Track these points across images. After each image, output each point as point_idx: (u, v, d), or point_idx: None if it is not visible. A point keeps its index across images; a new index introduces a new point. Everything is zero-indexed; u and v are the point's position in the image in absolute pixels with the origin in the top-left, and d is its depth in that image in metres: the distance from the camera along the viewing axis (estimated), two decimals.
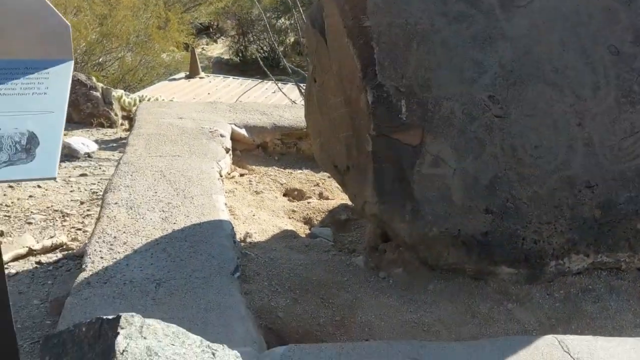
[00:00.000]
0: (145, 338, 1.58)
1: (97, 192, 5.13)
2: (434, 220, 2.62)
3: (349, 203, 3.79)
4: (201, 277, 2.53)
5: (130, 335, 1.57)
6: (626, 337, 2.29)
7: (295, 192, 4.09)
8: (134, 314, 1.64)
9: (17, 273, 3.59)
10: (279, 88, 8.00)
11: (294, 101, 7.99)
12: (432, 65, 2.58)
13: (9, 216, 4.45)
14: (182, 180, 3.41)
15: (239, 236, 3.14)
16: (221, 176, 3.69)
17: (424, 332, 2.50)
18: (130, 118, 8.50)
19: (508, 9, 2.69)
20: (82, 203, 4.83)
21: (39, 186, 5.16)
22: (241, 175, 4.25)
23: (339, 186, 4.11)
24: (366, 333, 2.51)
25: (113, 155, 6.73)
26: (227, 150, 4.10)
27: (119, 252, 2.66)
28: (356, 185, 2.81)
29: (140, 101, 8.24)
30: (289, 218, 3.69)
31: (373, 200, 2.68)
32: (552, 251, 2.74)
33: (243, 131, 4.53)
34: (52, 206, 4.73)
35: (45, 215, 4.55)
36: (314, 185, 4.17)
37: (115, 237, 2.77)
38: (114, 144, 7.60)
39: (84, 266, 2.56)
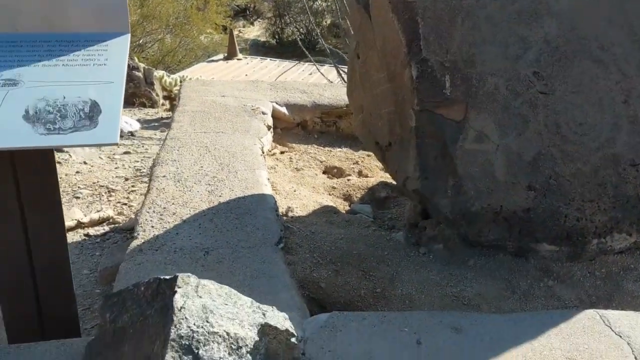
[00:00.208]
0: (200, 297, 1.67)
1: (140, 170, 5.28)
2: (476, 196, 2.65)
3: (388, 181, 3.82)
4: (247, 247, 2.61)
5: (186, 294, 1.65)
6: None
7: (335, 170, 4.14)
8: (189, 274, 1.72)
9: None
10: (317, 68, 8.02)
11: (331, 82, 8.01)
12: (477, 41, 2.58)
13: None
14: (226, 156, 3.50)
15: (281, 210, 3.22)
16: (263, 152, 3.77)
17: (464, 306, 2.54)
18: (171, 98, 8.67)
19: None
20: (126, 179, 4.98)
21: (85, 163, 5.34)
22: (281, 152, 4.32)
23: (378, 164, 4.15)
24: (406, 305, 2.56)
25: (155, 134, 6.89)
26: (268, 128, 4.18)
27: (168, 222, 2.76)
28: (398, 161, 2.85)
29: (181, 81, 8.37)
30: (329, 194, 3.74)
31: (415, 176, 2.72)
32: (594, 229, 2.73)
33: (284, 109, 4.59)
34: (98, 182, 4.89)
35: (91, 190, 4.71)
36: (353, 163, 4.21)
37: (164, 208, 2.87)
38: (156, 123, 7.76)
39: (135, 234, 2.67)
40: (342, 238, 3.02)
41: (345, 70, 8.46)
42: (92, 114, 1.73)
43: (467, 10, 2.59)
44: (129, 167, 5.39)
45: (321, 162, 4.23)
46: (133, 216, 4.21)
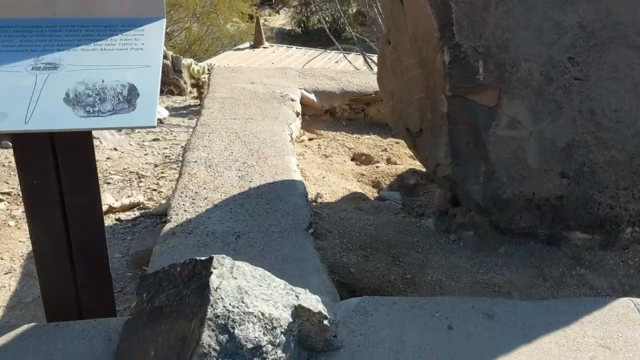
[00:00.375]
0: (235, 278, 1.69)
1: (169, 156, 5.34)
2: (509, 182, 2.63)
3: (417, 168, 3.81)
4: (277, 232, 2.63)
5: (222, 274, 1.68)
6: None
7: (363, 157, 4.14)
8: (224, 255, 1.75)
9: None
10: (344, 56, 8.01)
11: (358, 69, 7.99)
12: (511, 26, 2.55)
13: None
14: (256, 142, 3.52)
15: (310, 196, 3.23)
16: (292, 139, 3.78)
17: (495, 293, 2.53)
18: (198, 86, 8.72)
19: None
20: (156, 166, 5.05)
21: (115, 149, 5.42)
22: (310, 139, 4.33)
23: (406, 151, 4.13)
24: (437, 292, 2.56)
25: (183, 122, 6.96)
26: (297, 114, 4.19)
27: (200, 206, 2.79)
28: (429, 148, 2.84)
29: (208, 69, 8.42)
30: (358, 181, 3.75)
31: (446, 162, 2.71)
32: (628, 217, 2.70)
33: (312, 96, 4.59)
34: (128, 168, 4.97)
35: (122, 176, 4.78)
36: (382, 151, 4.21)
37: (196, 193, 2.91)
38: (184, 111, 7.83)
39: (168, 218, 2.71)
40: (371, 224, 3.02)
41: (372, 58, 8.42)
42: (130, 97, 1.76)
43: None
44: (158, 153, 5.46)
45: (349, 149, 4.24)
46: (163, 202, 4.27)
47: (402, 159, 4.10)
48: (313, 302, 1.80)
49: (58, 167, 1.92)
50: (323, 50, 12.52)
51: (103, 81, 1.79)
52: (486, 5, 2.55)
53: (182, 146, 5.52)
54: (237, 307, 1.60)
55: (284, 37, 21.08)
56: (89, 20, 2.00)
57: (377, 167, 3.90)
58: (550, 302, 2.18)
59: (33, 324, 1.99)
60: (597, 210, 2.67)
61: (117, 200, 4.23)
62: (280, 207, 2.85)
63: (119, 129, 5.29)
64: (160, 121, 6.84)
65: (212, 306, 1.57)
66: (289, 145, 3.56)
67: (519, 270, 2.67)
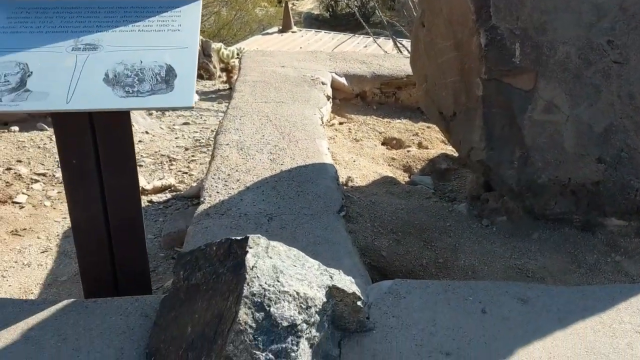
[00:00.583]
0: (270, 257, 1.71)
1: (199, 140, 5.39)
2: (544, 167, 2.59)
3: (449, 153, 3.78)
4: (309, 214, 2.64)
5: (257, 254, 1.69)
6: None
7: (394, 141, 4.11)
8: (259, 235, 1.76)
9: None
10: (374, 40, 7.95)
11: (387, 53, 7.93)
12: (549, 8, 2.50)
13: None
14: (287, 125, 3.53)
15: (341, 180, 3.23)
16: (323, 122, 3.78)
17: (528, 279, 2.51)
18: (227, 70, 8.75)
19: None
20: (186, 149, 5.10)
21: (147, 132, 5.48)
22: (340, 123, 4.32)
23: (438, 136, 4.10)
24: (469, 276, 2.55)
25: (212, 106, 7.00)
26: (328, 98, 4.18)
27: (232, 188, 2.81)
28: (462, 132, 2.81)
29: (238, 54, 8.44)
30: (389, 165, 3.73)
31: (480, 146, 2.68)
32: None
33: (343, 80, 4.57)
34: (159, 151, 5.03)
35: (153, 159, 4.84)
36: (413, 135, 4.18)
37: (229, 175, 2.93)
38: (213, 95, 7.88)
39: (202, 199, 2.74)
40: (402, 208, 3.01)
41: (402, 42, 8.34)
42: (168, 77, 1.77)
43: None
44: (189, 137, 5.51)
45: (380, 133, 4.22)
46: (193, 184, 4.32)
47: (434, 143, 4.07)
48: (347, 283, 1.81)
49: (97, 147, 1.95)
50: (351, 34, 12.44)
51: (141, 62, 1.81)
52: None
53: (212, 130, 5.56)
54: (273, 286, 1.61)
55: (312, 22, 20.99)
56: (126, 1, 2.02)
57: (408, 151, 3.88)
58: (585, 288, 2.15)
59: (72, 299, 2.04)
60: (634, 196, 2.62)
61: (149, 183, 4.29)
62: (312, 189, 2.85)
63: (158, 110, 5.35)
64: None
65: (248, 284, 1.59)
66: (320, 129, 3.56)
67: (553, 256, 2.64)
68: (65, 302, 2.01)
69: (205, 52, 8.83)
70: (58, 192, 3.94)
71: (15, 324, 1.90)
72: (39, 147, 4.61)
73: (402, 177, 3.62)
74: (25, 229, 3.48)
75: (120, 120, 1.90)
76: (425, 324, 1.92)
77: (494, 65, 2.52)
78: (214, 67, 8.89)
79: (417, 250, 2.68)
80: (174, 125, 5.87)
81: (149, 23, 1.96)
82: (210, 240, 1.89)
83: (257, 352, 1.51)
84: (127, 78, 1.76)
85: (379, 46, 8.10)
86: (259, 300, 1.57)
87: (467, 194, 3.19)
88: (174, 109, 5.34)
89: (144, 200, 4.15)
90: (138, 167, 4.56)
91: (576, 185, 2.62)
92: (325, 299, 1.72)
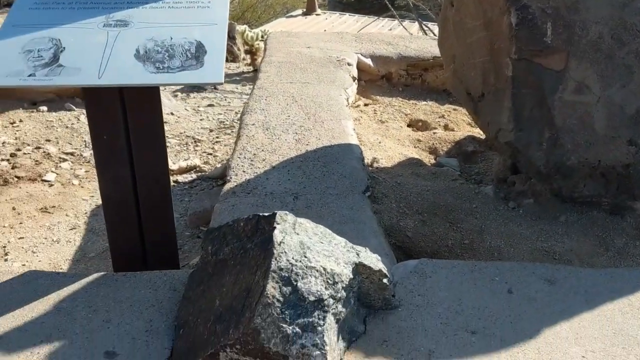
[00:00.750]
0: (297, 234, 1.72)
1: (224, 122, 5.41)
2: (573, 149, 2.56)
3: (476, 135, 3.75)
4: (334, 194, 2.65)
5: (285, 230, 1.70)
6: None
7: (420, 123, 4.09)
8: (287, 212, 1.77)
9: None
10: (399, 22, 7.86)
11: (412, 35, 7.85)
12: None
13: None
14: (312, 106, 3.52)
15: (366, 161, 3.23)
16: (348, 103, 3.77)
17: (555, 261, 2.49)
18: (252, 52, 8.74)
19: None
20: (211, 131, 5.12)
21: (172, 114, 5.52)
22: (365, 104, 4.30)
23: (464, 118, 4.06)
24: (495, 258, 2.54)
25: (237, 88, 7.01)
26: (353, 79, 4.16)
27: (258, 168, 2.83)
28: (490, 113, 2.78)
29: (262, 36, 8.42)
30: (414, 147, 3.71)
31: (509, 128, 2.65)
32: None
33: (369, 61, 4.55)
34: (184, 132, 5.06)
35: (179, 140, 4.88)
36: (439, 117, 4.15)
37: (254, 154, 2.94)
38: (237, 77, 7.89)
39: (228, 178, 2.76)
40: (428, 190, 3.00)
41: (428, 25, 8.24)
42: (198, 54, 1.78)
43: None
44: (213, 119, 5.54)
45: (406, 115, 4.19)
46: (218, 165, 4.35)
47: (460, 125, 4.03)
48: (373, 260, 1.82)
49: (127, 124, 1.97)
50: (376, 17, 12.33)
51: (171, 38, 1.82)
52: None
53: (236, 112, 5.58)
54: (300, 261, 1.62)
55: (336, 5, 20.83)
56: None
57: (434, 133, 3.85)
58: (613, 270, 2.13)
59: (102, 273, 2.08)
60: None
61: (174, 163, 4.33)
62: (337, 170, 2.86)
63: (188, 85, 5.38)
64: (215, 87, 6.91)
65: (275, 259, 1.60)
66: (346, 110, 3.55)
67: (580, 239, 2.61)
68: (95, 275, 2.05)
69: (229, 34, 8.82)
70: (86, 171, 4.00)
71: (47, 296, 1.94)
72: (67, 127, 4.67)
73: (428, 159, 3.60)
74: (54, 207, 3.55)
75: (150, 97, 1.92)
76: (451, 302, 1.92)
77: (525, 45, 2.48)
78: (238, 50, 8.88)
79: (442, 231, 2.68)
80: (198, 107, 5.90)
81: (179, 0, 1.97)
82: (236, 217, 1.90)
83: (284, 325, 1.53)
84: (158, 54, 1.78)
85: (405, 29, 8.01)
86: (287, 275, 1.59)
87: (493, 176, 3.16)
88: (204, 85, 5.39)
89: (170, 180, 4.20)
90: None
91: (606, 167, 2.58)
92: (351, 276, 1.73)
